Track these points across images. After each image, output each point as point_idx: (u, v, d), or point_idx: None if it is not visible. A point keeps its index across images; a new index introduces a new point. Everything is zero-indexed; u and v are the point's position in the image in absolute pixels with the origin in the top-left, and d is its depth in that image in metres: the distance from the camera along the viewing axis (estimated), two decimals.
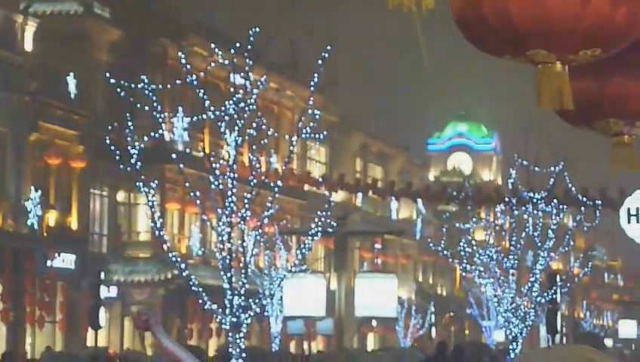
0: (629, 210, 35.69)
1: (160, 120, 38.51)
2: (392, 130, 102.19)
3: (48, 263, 56.68)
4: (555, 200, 48.37)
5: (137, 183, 37.99)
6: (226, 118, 35.50)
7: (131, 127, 37.31)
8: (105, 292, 58.36)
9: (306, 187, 63.30)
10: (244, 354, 33.02)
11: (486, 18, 8.11)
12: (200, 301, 36.47)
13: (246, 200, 34.89)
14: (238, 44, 36.42)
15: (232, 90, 35.93)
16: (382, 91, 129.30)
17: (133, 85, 38.22)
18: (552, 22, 7.98)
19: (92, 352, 45.88)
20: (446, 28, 8.54)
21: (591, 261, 62.80)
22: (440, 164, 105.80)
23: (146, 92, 37.46)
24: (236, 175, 35.14)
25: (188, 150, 57.34)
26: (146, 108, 37.98)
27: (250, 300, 35.61)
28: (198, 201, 38.12)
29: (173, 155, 46.75)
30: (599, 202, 52.39)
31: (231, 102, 35.25)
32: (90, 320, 55.52)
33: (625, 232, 32.34)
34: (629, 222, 35.28)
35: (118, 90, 39.11)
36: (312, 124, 37.90)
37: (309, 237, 39.67)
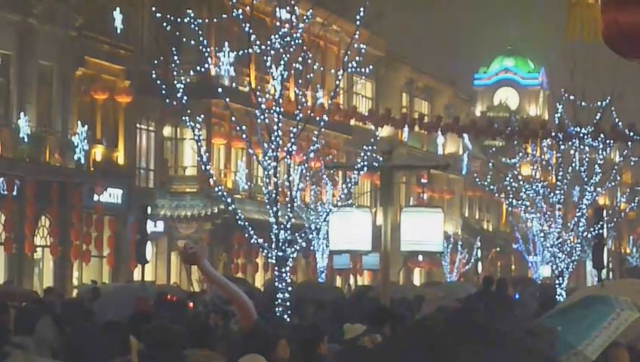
0: None
1: (206, 54, 38.73)
2: (438, 64, 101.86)
3: (95, 198, 56.92)
4: (601, 135, 48.19)
5: (183, 118, 38.11)
6: (272, 52, 35.62)
7: (177, 62, 37.41)
8: (151, 226, 58.64)
9: (352, 122, 63.18)
10: (289, 288, 33.17)
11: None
12: (246, 235, 36.65)
13: (292, 135, 34.99)
14: None
15: (277, 24, 36.08)
16: (428, 25, 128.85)
17: (179, 19, 38.35)
18: None
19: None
20: None
21: (638, 196, 62.22)
22: (487, 99, 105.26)
23: (192, 26, 37.58)
24: (282, 109, 35.27)
25: (234, 85, 57.32)
26: (192, 42, 38.15)
27: (296, 234, 35.80)
28: (244, 136, 38.18)
29: (219, 90, 46.68)
30: None
31: (277, 36, 35.36)
32: (137, 255, 55.94)
33: None
34: None
35: (164, 24, 39.25)
36: (358, 58, 38.06)
37: (355, 172, 39.79)
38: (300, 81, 36.66)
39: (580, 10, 8.39)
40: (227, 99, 40.45)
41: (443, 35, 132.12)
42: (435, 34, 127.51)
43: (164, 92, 37.43)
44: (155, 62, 41.93)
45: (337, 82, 39.42)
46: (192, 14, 37.78)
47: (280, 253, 35.70)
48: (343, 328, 16.17)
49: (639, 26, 9.11)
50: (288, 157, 35.40)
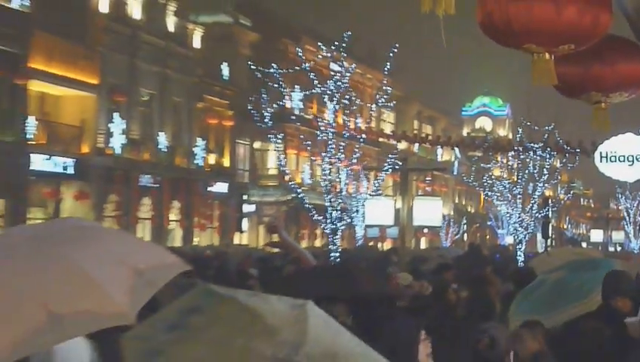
0: (600, 153, 35.60)
1: (283, 93, 38.98)
2: (438, 100, 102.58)
3: (209, 189, 57.24)
4: (548, 149, 48.50)
5: (268, 136, 38.53)
6: (328, 92, 35.94)
7: (265, 98, 37.70)
8: (246, 208, 58.91)
9: (381, 139, 63.37)
10: (338, 250, 33.59)
11: (496, 24, 8.38)
12: (309, 214, 36.97)
13: (341, 148, 35.32)
14: (336, 43, 36.87)
15: (331, 73, 36.41)
16: (432, 71, 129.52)
17: (266, 70, 38.62)
18: (536, 26, 8.19)
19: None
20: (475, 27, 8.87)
21: (572, 190, 62.63)
22: (470, 125, 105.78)
23: (275, 75, 37.91)
24: (334, 130, 35.58)
25: (302, 113, 57.51)
26: (275, 85, 38.43)
27: (343, 214, 36.09)
28: (308, 148, 38.65)
29: (292, 117, 47.22)
30: (578, 150, 52.22)
31: (331, 82, 35.69)
32: (237, 227, 56.37)
33: (597, 169, 32.22)
34: (600, 161, 35.22)
35: (257, 73, 39.53)
36: (384, 97, 38.34)
37: (383, 172, 40.20)
38: (346, 111, 37.02)
39: (539, 64, 8.50)
40: (297, 123, 40.83)
41: (442, 79, 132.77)
42: (435, 78, 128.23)
43: (255, 118, 37.79)
44: (250, 98, 42.23)
45: (371, 112, 39.78)
46: (275, 67, 38.17)
47: (332, 226, 35.91)
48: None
49: (574, 75, 9.29)
50: (338, 162, 35.68)
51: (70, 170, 44.71)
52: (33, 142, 42.55)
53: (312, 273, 9.45)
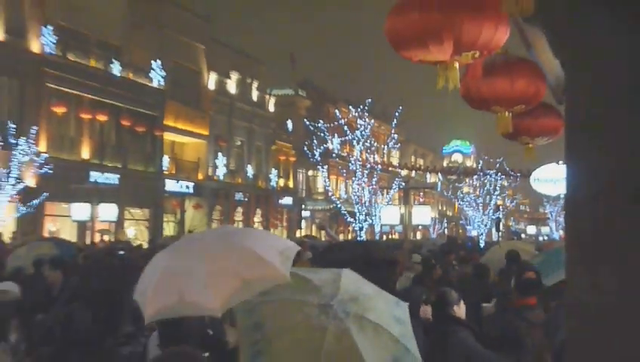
0: (534, 176, 35.47)
1: (327, 140, 39.25)
2: (427, 142, 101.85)
3: (279, 201, 57.33)
4: (499, 174, 48.32)
5: (317, 167, 38.67)
6: (356, 139, 36.16)
7: (315, 143, 37.94)
8: (304, 213, 59.06)
9: (390, 168, 63.26)
10: (364, 241, 33.57)
11: (472, 94, 8.32)
12: (344, 217, 37.13)
13: (365, 174, 35.50)
14: (361, 106, 37.04)
15: (358, 126, 36.57)
16: (423, 124, 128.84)
17: (315, 125, 38.83)
18: (499, 95, 8.14)
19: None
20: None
21: (515, 200, 61.88)
22: (448, 158, 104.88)
23: (321, 128, 38.11)
24: (360, 163, 35.78)
25: (339, 153, 57.58)
26: (321, 134, 38.65)
27: (367, 217, 36.23)
28: (343, 174, 38.72)
29: (333, 155, 47.44)
30: (519, 174, 51.84)
31: (358, 132, 35.90)
32: (298, 226, 56.49)
33: (532, 186, 32.03)
34: (534, 182, 35.01)
35: (310, 127, 39.78)
36: (392, 141, 38.50)
37: (392, 190, 40.27)
38: (368, 151, 37.15)
39: (501, 119, 8.55)
40: (336, 159, 40.98)
41: (429, 128, 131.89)
42: (425, 127, 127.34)
43: (309, 156, 38.05)
44: (306, 143, 42.54)
45: (383, 151, 39.83)
46: (321, 122, 38.37)
47: (359, 225, 36.09)
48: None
49: (519, 126, 8.72)
50: (363, 183, 35.88)
51: (190, 190, 45.14)
52: (167, 172, 43.07)
53: (341, 246, 9.55)
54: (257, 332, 4.16)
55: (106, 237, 33.40)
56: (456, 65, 6.96)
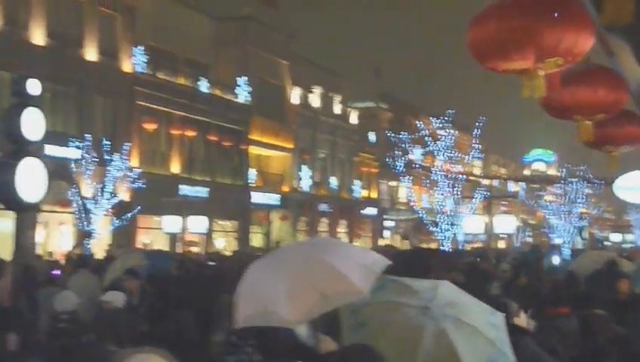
0: (618, 184, 34.60)
1: (409, 151, 39.09)
2: (509, 152, 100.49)
3: (363, 212, 57.18)
4: (583, 181, 47.21)
5: (400, 177, 38.59)
6: (438, 149, 35.96)
7: (397, 154, 37.89)
8: (387, 223, 58.95)
9: (472, 178, 62.47)
10: (447, 249, 33.38)
11: (554, 104, 8.24)
12: (427, 227, 36.94)
13: (447, 184, 35.26)
14: (442, 117, 36.78)
15: (439, 137, 36.35)
16: (505, 133, 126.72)
17: (397, 136, 38.71)
18: (580, 103, 8.06)
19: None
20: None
21: (599, 208, 60.13)
22: (529, 167, 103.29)
23: (403, 139, 38.01)
24: (443, 173, 35.53)
25: (421, 163, 57.19)
26: (403, 145, 38.53)
27: (450, 226, 35.94)
28: (426, 185, 38.55)
29: (415, 166, 47.19)
30: (602, 182, 50.18)
31: (440, 142, 35.70)
32: (381, 235, 56.36)
33: (615, 194, 31.37)
34: (618, 189, 34.27)
35: (392, 138, 39.67)
36: (474, 151, 38.12)
37: (475, 199, 39.78)
38: (450, 161, 36.80)
39: (583, 127, 8.43)
40: (419, 169, 40.82)
41: (511, 137, 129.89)
42: (507, 136, 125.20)
43: (391, 167, 38.02)
44: (388, 154, 42.45)
45: (466, 161, 39.51)
46: (403, 133, 38.25)
47: (442, 234, 35.82)
48: None
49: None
50: (446, 193, 35.63)
51: (276, 202, 45.50)
52: (253, 185, 43.55)
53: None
54: (361, 330, 4.47)
55: (194, 249, 33.92)
56: (541, 73, 6.82)
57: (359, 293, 4.47)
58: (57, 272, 14.34)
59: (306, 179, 48.84)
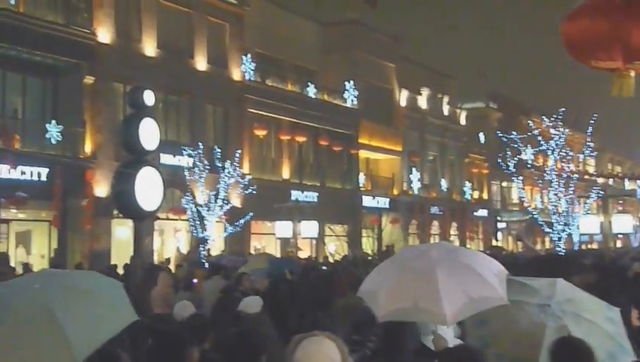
0: None
1: (520, 151, 38.28)
2: (624, 148, 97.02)
3: (474, 214, 56.49)
4: None
5: (512, 178, 37.86)
6: (550, 148, 35.12)
7: (508, 154, 37.21)
8: (499, 225, 58.06)
9: (586, 177, 60.71)
10: (563, 251, 32.55)
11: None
12: (541, 228, 36.10)
13: (561, 184, 34.38)
14: (554, 116, 35.93)
15: (551, 136, 35.51)
16: (620, 130, 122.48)
17: (508, 136, 38.02)
18: None
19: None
20: None
21: None
22: None
23: (514, 139, 37.27)
24: (556, 173, 34.68)
25: (533, 163, 55.93)
26: (514, 145, 37.80)
27: (565, 227, 35.03)
28: (539, 185, 37.71)
29: (527, 165, 46.17)
30: None
31: (552, 141, 34.86)
32: (493, 236, 55.51)
33: None
34: None
35: (502, 138, 38.98)
36: (587, 150, 37.14)
37: (590, 199, 38.75)
38: (562, 160, 35.92)
39: None
40: (531, 169, 39.99)
41: (626, 134, 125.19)
42: (622, 133, 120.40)
43: (503, 167, 37.31)
44: (499, 155, 41.66)
45: (579, 160, 38.50)
46: (514, 133, 37.51)
47: (557, 235, 34.94)
48: None
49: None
50: (560, 193, 34.73)
51: (386, 205, 45.40)
52: (363, 189, 43.59)
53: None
54: (483, 327, 4.75)
55: (302, 254, 33.95)
56: (632, 73, 6.75)
57: (501, 300, 4.74)
58: (196, 281, 14.70)
59: (415, 182, 48.56)
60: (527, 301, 4.75)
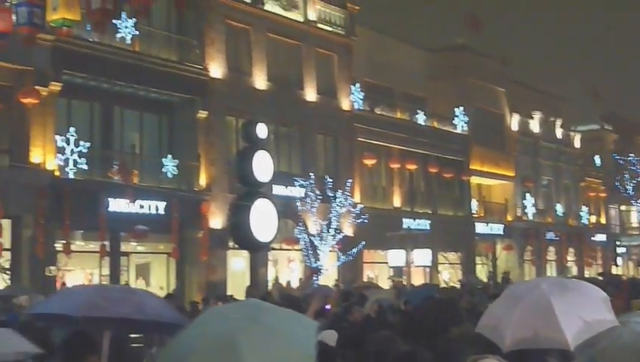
0: None
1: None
2: None
3: (592, 238, 54.29)
4: None
5: (631, 201, 36.43)
6: None
7: (626, 177, 35.99)
8: (619, 250, 55.95)
9: None
10: None
11: None
12: None
13: None
14: None
15: None
16: None
17: (625, 158, 36.78)
18: None
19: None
20: None
21: None
22: None
23: (632, 161, 36.01)
24: None
25: None
26: (632, 168, 36.57)
27: None
28: None
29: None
30: None
31: None
32: (613, 261, 53.48)
33: None
34: None
35: (619, 161, 37.76)
36: None
37: None
38: None
39: None
40: None
41: None
42: None
43: (621, 191, 36.13)
44: (616, 178, 40.29)
45: None
46: (632, 155, 36.19)
47: None
48: None
49: None
50: None
51: (500, 232, 44.51)
52: (476, 215, 42.91)
53: None
54: (591, 348, 4.98)
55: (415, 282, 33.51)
56: None
57: (613, 322, 4.99)
58: (329, 306, 14.84)
59: (530, 207, 47.49)
60: (629, 319, 5.22)
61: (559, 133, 52.43)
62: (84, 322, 6.39)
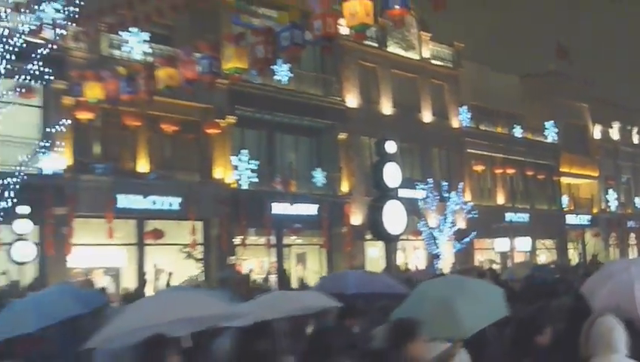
0: None
1: None
2: None
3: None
4: None
5: None
6: None
7: None
8: None
9: None
10: None
11: None
12: None
13: None
14: None
15: None
16: None
17: None
18: None
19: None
20: None
21: None
22: None
23: None
24: None
25: None
26: None
27: None
28: None
29: None
30: None
31: None
32: None
33: None
34: None
35: None
36: None
37: None
38: None
39: None
40: None
41: None
42: None
43: None
44: None
45: None
46: None
47: None
48: None
49: None
50: None
51: (587, 222, 42.48)
52: (566, 209, 41.19)
53: None
54: None
55: (495, 266, 32.19)
56: None
57: None
58: None
59: (612, 201, 45.08)
60: None
61: (636, 138, 49.56)
62: (355, 297, 7.93)
